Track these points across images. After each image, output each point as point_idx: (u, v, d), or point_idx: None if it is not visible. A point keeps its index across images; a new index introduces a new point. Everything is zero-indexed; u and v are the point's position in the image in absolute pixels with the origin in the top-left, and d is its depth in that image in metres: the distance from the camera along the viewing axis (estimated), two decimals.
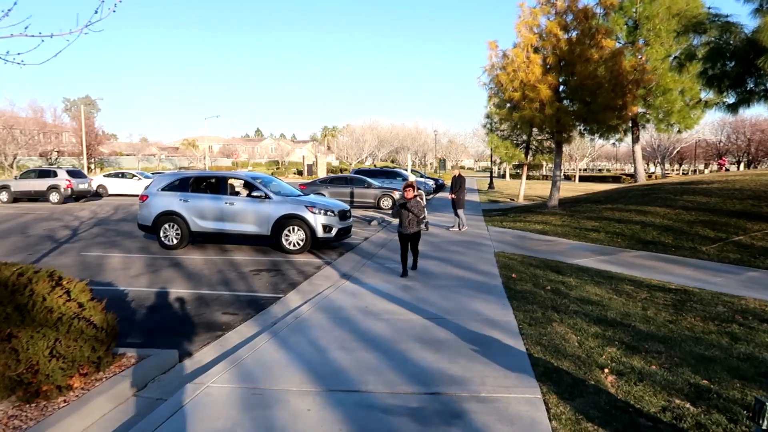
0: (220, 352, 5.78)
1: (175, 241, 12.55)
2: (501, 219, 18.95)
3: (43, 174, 26.67)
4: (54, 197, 25.91)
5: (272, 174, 72.62)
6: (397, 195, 24.77)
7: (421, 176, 39.70)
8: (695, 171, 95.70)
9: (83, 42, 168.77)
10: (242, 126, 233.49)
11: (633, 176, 35.66)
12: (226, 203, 12.33)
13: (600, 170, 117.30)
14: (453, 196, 16.50)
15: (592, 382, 4.62)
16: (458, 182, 16.84)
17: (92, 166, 70.04)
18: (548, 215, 18.29)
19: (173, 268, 10.44)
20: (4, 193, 26.53)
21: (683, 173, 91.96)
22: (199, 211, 12.44)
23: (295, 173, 72.54)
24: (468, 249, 12.72)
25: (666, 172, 76.49)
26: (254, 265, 10.82)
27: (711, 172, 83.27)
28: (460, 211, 16.53)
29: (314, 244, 12.21)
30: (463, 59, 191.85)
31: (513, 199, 31.22)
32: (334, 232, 12.22)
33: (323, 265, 10.84)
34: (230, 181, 12.80)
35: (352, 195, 24.62)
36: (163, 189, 12.86)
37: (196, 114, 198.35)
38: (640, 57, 22.49)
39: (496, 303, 7.53)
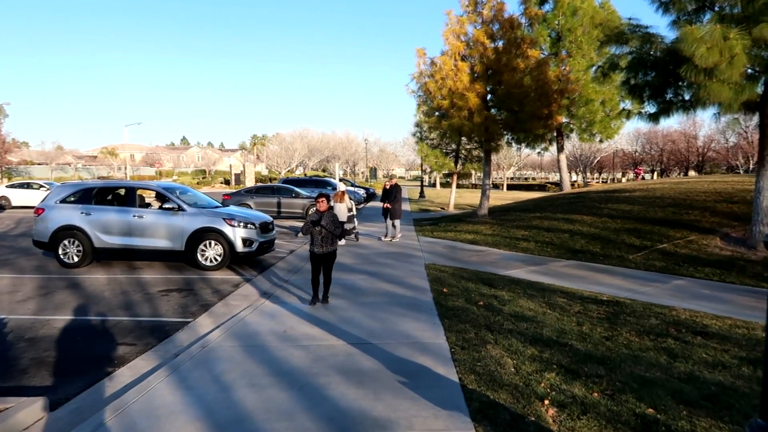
0: (103, 395, 4.88)
1: (76, 259, 11.30)
2: (432, 229, 18.63)
3: None
4: None
5: (197, 183, 70.10)
6: (328, 204, 24.03)
7: (352, 185, 39.20)
8: (614, 179, 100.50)
9: None
10: (167, 134, 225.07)
11: (558, 185, 36.59)
12: (134, 216, 11.22)
13: (526, 179, 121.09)
14: (388, 205, 16.02)
15: (533, 418, 4.12)
16: (394, 191, 16.35)
17: None
18: (479, 224, 18.13)
19: (70, 290, 9.28)
20: None
21: (603, 181, 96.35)
22: (104, 225, 11.26)
23: (222, 183, 70.17)
24: (398, 261, 12.20)
25: (587, 180, 79.76)
26: (165, 285, 9.82)
27: (628, 180, 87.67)
28: (397, 222, 16.04)
29: (233, 260, 11.31)
30: (395, 68, 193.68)
31: (443, 208, 31.19)
32: (255, 246, 11.37)
33: (242, 283, 9.99)
34: (140, 191, 11.69)
35: (279, 205, 23.68)
36: (62, 201, 11.57)
37: (118, 121, 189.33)
38: (563, 68, 22.96)
39: (426, 322, 7.00)
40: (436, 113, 19.60)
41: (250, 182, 62.29)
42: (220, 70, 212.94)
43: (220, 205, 12.64)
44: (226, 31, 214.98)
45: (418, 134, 31.38)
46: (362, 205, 32.74)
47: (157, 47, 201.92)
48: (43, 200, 11.88)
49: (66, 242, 11.31)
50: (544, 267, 11.64)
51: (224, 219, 11.15)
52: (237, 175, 67.49)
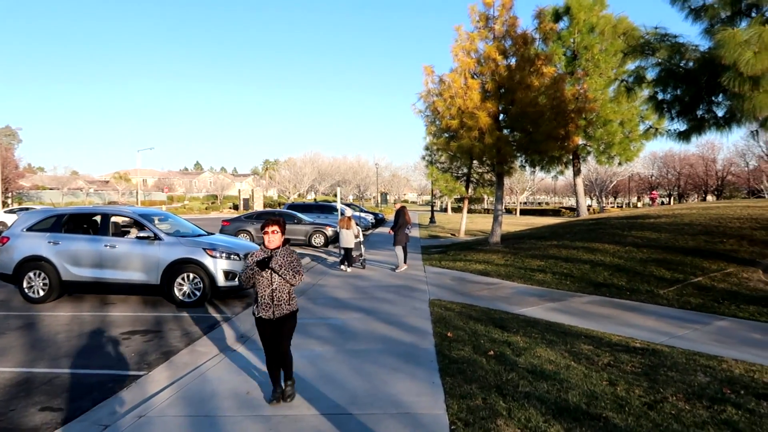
0: None
1: (41, 293, 10.19)
2: (440, 257, 17.34)
3: None
4: None
5: (206, 209, 69.55)
6: (330, 231, 22.92)
7: (360, 210, 38.08)
8: (629, 204, 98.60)
9: (9, 71, 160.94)
10: (181, 159, 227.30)
11: (574, 210, 35.14)
12: (105, 246, 10.11)
13: (540, 203, 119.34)
14: (391, 231, 14.93)
15: None
16: (397, 216, 15.19)
17: (9, 201, 64.97)
18: (490, 253, 16.81)
19: (20, 332, 8.12)
20: None
21: (618, 206, 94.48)
22: (73, 256, 10.16)
23: (230, 208, 69.52)
24: (400, 296, 10.93)
25: (603, 205, 77.99)
26: (131, 325, 8.63)
27: (644, 205, 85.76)
28: (398, 250, 14.86)
29: (215, 294, 10.12)
30: (407, 92, 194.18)
31: (454, 234, 29.90)
32: (238, 279, 10.16)
33: (219, 323, 8.77)
34: (114, 218, 10.59)
35: None
36: (29, 229, 10.52)
37: (132, 147, 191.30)
38: (580, 87, 21.81)
39: (424, 380, 5.71)
40: (445, 134, 18.46)
41: (258, 207, 61.50)
42: (234, 96, 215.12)
43: (204, 233, 11.51)
44: (240, 58, 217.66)
45: (428, 157, 30.30)
46: (370, 232, 31.58)
47: (173, 74, 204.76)
48: (9, 228, 10.84)
49: (31, 275, 10.22)
50: (564, 303, 10.30)
51: (204, 249, 10.00)
52: (246, 200, 66.87)
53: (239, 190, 75.20)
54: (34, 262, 10.21)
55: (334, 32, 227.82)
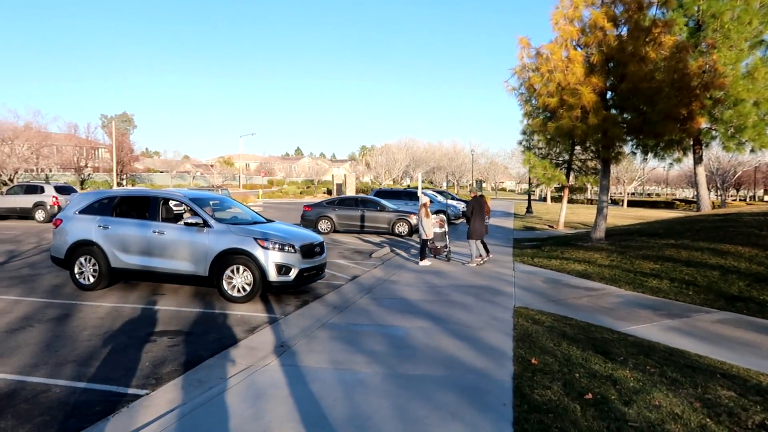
0: None
1: (92, 280, 9.56)
2: (533, 253, 15.34)
3: (29, 190, 24.45)
4: (39, 215, 23.62)
5: (301, 193, 70.35)
6: (414, 220, 21.46)
7: (452, 198, 36.28)
8: (754, 197, 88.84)
9: (122, 59, 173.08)
10: (283, 145, 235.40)
11: (691, 202, 31.26)
12: (154, 232, 9.27)
13: (649, 195, 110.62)
14: (459, 221, 13.31)
15: None
16: (472, 205, 13.49)
17: (124, 182, 69.25)
18: (592, 250, 14.59)
19: (48, 325, 7.38)
20: None
21: (741, 200, 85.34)
22: (122, 242, 9.42)
23: (324, 192, 69.97)
24: (479, 300, 9.28)
25: (724, 198, 70.36)
26: (167, 323, 7.66)
27: None
28: (471, 243, 13.21)
29: (266, 290, 8.99)
30: (503, 72, 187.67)
31: (552, 227, 27.41)
32: (293, 274, 8.97)
33: (262, 326, 7.60)
34: (163, 202, 9.73)
35: (362, 219, 21.40)
36: (81, 211, 9.92)
37: (237, 133, 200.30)
38: (706, 60, 18.67)
39: None
40: (542, 114, 16.35)
41: (350, 192, 61.28)
42: (335, 83, 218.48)
43: (263, 220, 10.43)
44: (340, 49, 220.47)
45: (525, 142, 27.94)
46: (460, 220, 29.76)
47: (277, 65, 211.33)
48: (62, 210, 10.34)
49: (82, 260, 9.61)
50: (687, 322, 8.18)
51: (256, 239, 8.87)
52: (339, 185, 66.89)
53: (333, 175, 75.57)
54: (86, 247, 9.59)
55: (427, 11, 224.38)
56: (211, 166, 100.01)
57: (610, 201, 20.13)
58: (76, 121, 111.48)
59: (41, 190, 24.09)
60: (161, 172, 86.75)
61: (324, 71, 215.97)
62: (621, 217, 34.86)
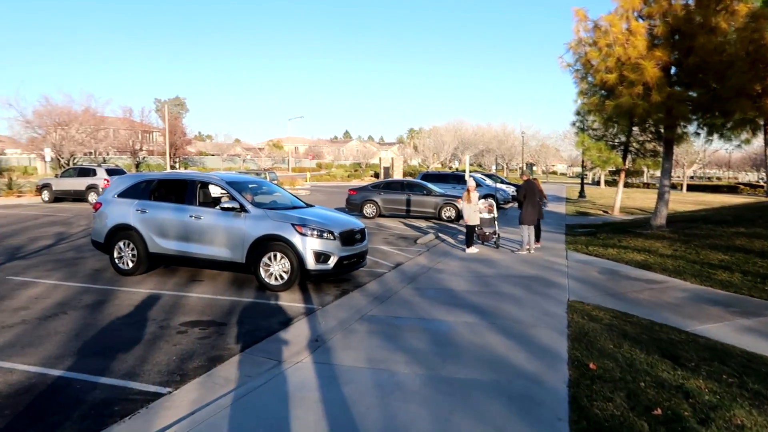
0: None
1: (130, 265, 9.43)
2: (587, 241, 14.49)
3: (82, 173, 25.03)
4: (92, 197, 24.12)
5: (348, 176, 70.32)
6: (461, 204, 20.78)
7: (501, 181, 35.24)
8: None
9: (175, 43, 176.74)
10: (332, 128, 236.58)
11: (758, 187, 29.29)
12: (191, 216, 9.03)
13: (710, 178, 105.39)
14: (508, 205, 12.62)
15: None
16: (525, 189, 12.76)
17: (176, 165, 70.76)
18: (653, 239, 13.62)
19: (81, 312, 7.22)
20: (45, 192, 25.20)
21: None
22: (159, 227, 9.24)
23: (372, 176, 69.68)
24: (530, 292, 8.66)
25: None
26: (200, 312, 7.38)
27: None
28: (524, 228, 12.51)
29: (304, 278, 8.63)
30: (557, 50, 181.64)
31: (607, 212, 26.17)
32: (332, 262, 8.56)
33: (298, 317, 7.22)
34: (200, 185, 9.47)
35: (408, 203, 20.88)
36: (120, 195, 9.79)
37: (285, 116, 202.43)
38: None
39: None
40: (599, 92, 15.32)
41: (398, 175, 60.74)
42: (382, 64, 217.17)
43: (303, 205, 10.06)
44: (387, 32, 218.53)
45: (579, 124, 26.68)
46: (509, 205, 28.81)
47: (328, 49, 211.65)
48: (102, 193, 10.25)
49: (121, 244, 9.49)
50: (765, 321, 7.33)
51: (293, 225, 8.49)
52: (386, 168, 66.44)
53: (380, 159, 75.08)
54: (124, 231, 9.46)
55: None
56: (260, 149, 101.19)
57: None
58: (130, 105, 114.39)
59: (93, 172, 24.60)
60: (212, 155, 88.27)
61: (373, 53, 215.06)
62: (681, 202, 33.08)
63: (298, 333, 6.46)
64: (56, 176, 26.13)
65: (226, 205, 8.78)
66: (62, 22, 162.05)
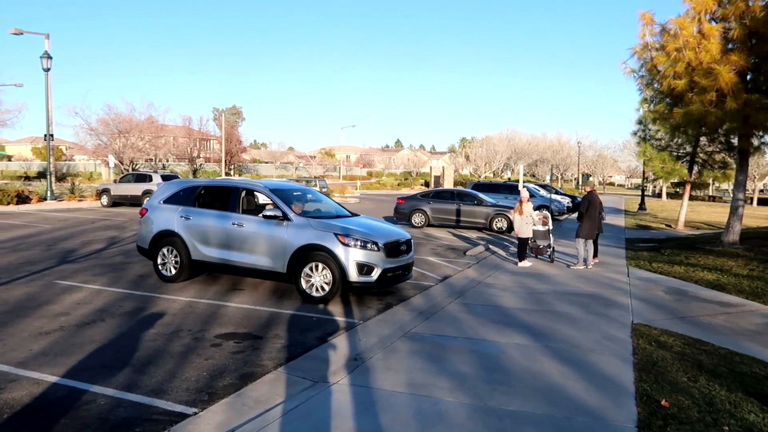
0: None
1: (173, 271, 9.30)
2: (650, 257, 13.53)
3: (139, 178, 25.66)
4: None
5: (398, 185, 70.04)
6: (513, 215, 20.02)
7: (555, 192, 34.02)
8: None
9: (233, 54, 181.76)
10: (383, 137, 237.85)
11: None
12: (233, 224, 8.82)
13: None
14: (563, 217, 11.95)
15: None
16: (587, 201, 12.03)
17: (231, 172, 72.35)
18: (725, 257, 12.57)
19: (120, 320, 7.07)
20: (104, 196, 25.95)
21: None
22: (202, 234, 9.07)
23: (422, 184, 69.18)
24: (588, 312, 7.98)
25: None
26: (237, 323, 7.10)
27: None
28: (579, 243, 11.77)
29: (346, 290, 8.25)
30: (616, 57, 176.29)
31: (670, 226, 24.75)
32: (375, 274, 8.14)
33: (338, 332, 6.83)
34: (244, 193, 9.25)
35: (458, 213, 20.28)
36: (165, 201, 9.70)
37: (338, 125, 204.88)
38: None
39: None
40: (666, 99, 14.36)
41: (448, 184, 60.00)
42: (435, 74, 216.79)
43: (348, 213, 9.70)
44: (443, 41, 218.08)
45: (641, 133, 25.43)
46: (564, 216, 27.74)
47: (381, 59, 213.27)
48: (148, 199, 10.20)
49: (165, 251, 9.38)
50: None
51: (336, 235, 8.12)
52: (437, 177, 65.79)
53: (431, 167, 74.45)
54: (168, 238, 9.35)
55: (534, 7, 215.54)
56: (312, 157, 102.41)
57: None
58: (189, 114, 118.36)
59: (149, 178, 25.15)
60: (266, 162, 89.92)
61: (426, 63, 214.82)
62: (752, 216, 31.07)
63: (336, 350, 6.06)
64: (115, 182, 26.90)
65: (268, 213, 8.51)
66: (128, 34, 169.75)
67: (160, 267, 9.42)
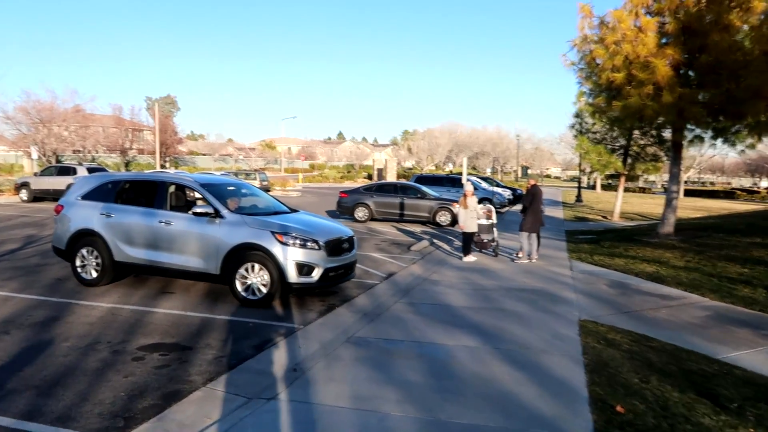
0: None
1: (94, 274, 8.50)
2: (591, 249, 13.67)
3: (62, 171, 23.96)
4: None
5: (341, 178, 69.35)
6: (457, 208, 19.94)
7: (496, 185, 34.37)
8: None
9: (165, 41, 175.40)
10: (325, 129, 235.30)
11: (754, 192, 28.64)
12: (160, 222, 8.12)
13: (703, 183, 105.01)
14: (504, 209, 11.80)
15: None
16: (531, 195, 11.96)
17: (167, 165, 69.57)
18: (662, 248, 12.82)
19: (27, 332, 6.31)
20: (24, 191, 24.17)
21: None
22: (126, 233, 8.32)
23: (365, 177, 68.80)
24: (535, 309, 7.82)
25: None
26: (164, 332, 6.48)
27: None
28: (522, 237, 11.71)
29: (285, 292, 7.75)
30: (554, 50, 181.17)
31: (606, 217, 25.42)
32: (316, 275, 7.67)
33: (276, 339, 6.34)
34: (172, 188, 8.56)
35: (402, 207, 19.99)
36: (84, 197, 8.86)
37: (278, 116, 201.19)
38: None
39: None
40: (604, 93, 14.51)
41: (391, 177, 59.88)
42: (376, 67, 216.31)
43: (287, 210, 9.15)
44: (383, 33, 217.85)
45: (578, 126, 25.92)
46: (506, 209, 28.00)
47: (322, 49, 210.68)
48: (64, 195, 9.33)
49: (84, 252, 8.56)
50: None
51: (273, 233, 7.59)
52: (380, 170, 65.57)
53: (373, 160, 74.21)
54: (87, 237, 8.55)
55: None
56: (252, 149, 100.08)
57: (664, 190, 17.97)
58: (120, 103, 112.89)
59: (74, 171, 23.51)
60: (204, 155, 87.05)
61: (367, 54, 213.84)
62: (680, 208, 32.29)
63: (274, 360, 5.58)
64: (35, 175, 25.09)
65: (198, 210, 7.87)
66: (53, 19, 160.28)
67: (79, 269, 8.60)
